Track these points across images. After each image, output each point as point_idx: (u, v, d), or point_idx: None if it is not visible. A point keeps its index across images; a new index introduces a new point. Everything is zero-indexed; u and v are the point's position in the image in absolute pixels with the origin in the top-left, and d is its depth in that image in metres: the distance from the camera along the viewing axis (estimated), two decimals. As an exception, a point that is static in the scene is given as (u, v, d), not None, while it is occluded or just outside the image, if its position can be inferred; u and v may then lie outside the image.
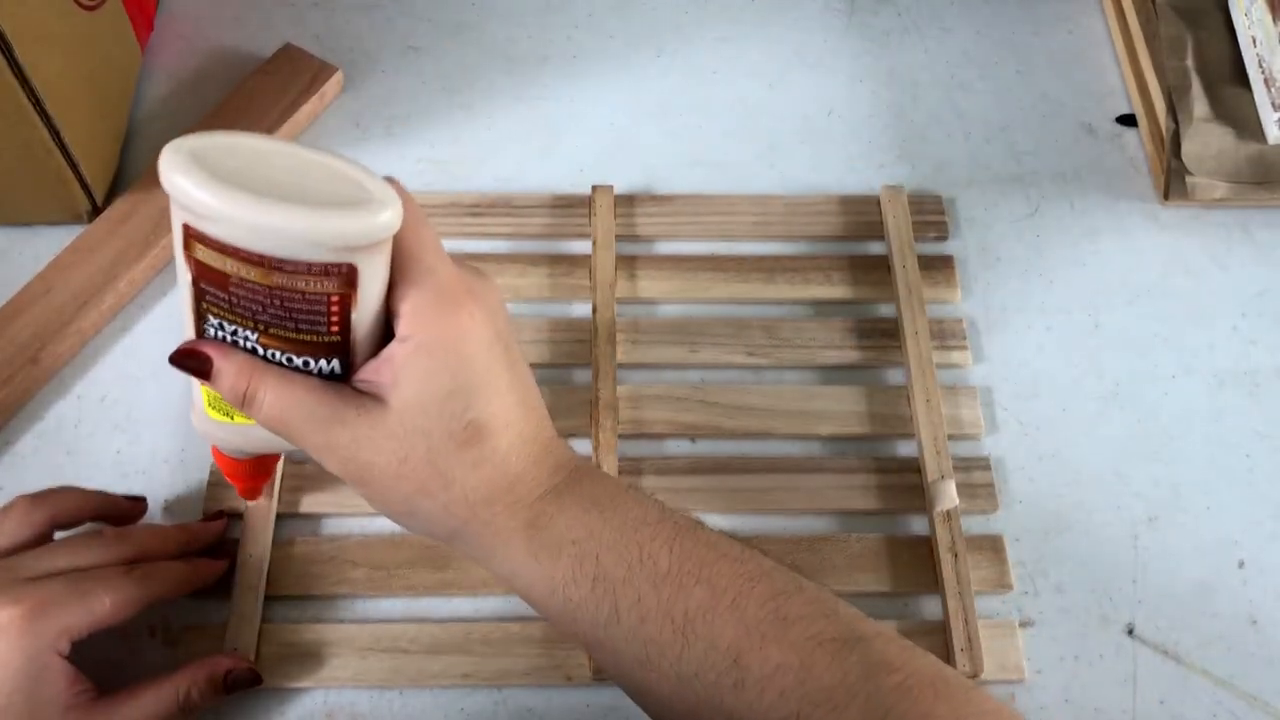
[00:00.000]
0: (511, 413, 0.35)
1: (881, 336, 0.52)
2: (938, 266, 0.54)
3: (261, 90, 0.57)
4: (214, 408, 0.37)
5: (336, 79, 0.58)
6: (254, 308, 0.33)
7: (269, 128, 0.55)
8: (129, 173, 0.56)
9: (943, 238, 0.55)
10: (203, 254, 0.32)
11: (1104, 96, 0.61)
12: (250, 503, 0.45)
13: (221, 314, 0.33)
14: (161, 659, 0.43)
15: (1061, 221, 0.57)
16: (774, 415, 0.49)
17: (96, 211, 0.53)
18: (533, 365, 0.50)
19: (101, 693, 0.38)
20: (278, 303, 0.32)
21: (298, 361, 0.34)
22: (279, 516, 0.46)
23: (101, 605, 0.38)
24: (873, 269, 0.54)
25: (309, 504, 0.47)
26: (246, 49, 0.60)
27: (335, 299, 0.32)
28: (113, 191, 0.54)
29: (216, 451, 0.41)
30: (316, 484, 0.47)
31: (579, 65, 0.61)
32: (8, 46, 0.44)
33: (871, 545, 0.47)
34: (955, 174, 0.58)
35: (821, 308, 0.53)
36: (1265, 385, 0.52)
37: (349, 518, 0.47)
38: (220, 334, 0.34)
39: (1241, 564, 0.48)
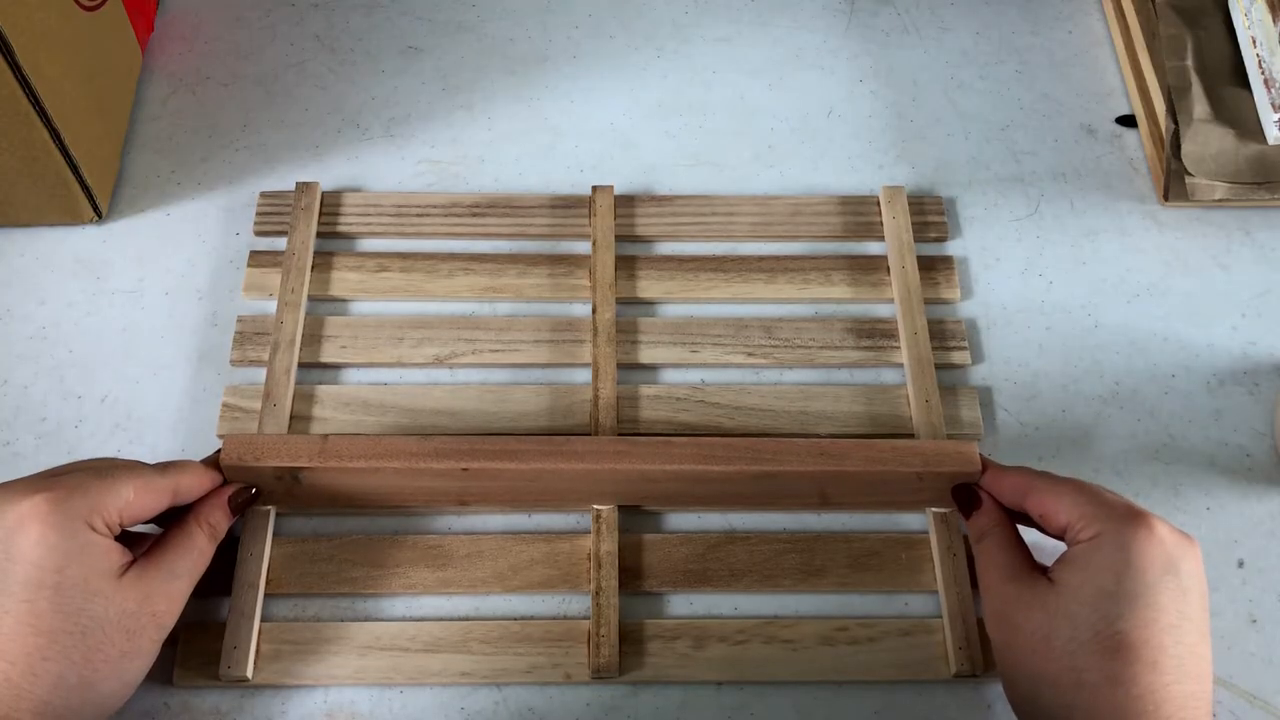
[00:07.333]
0: (1169, 659, 0.36)
1: (881, 337, 0.52)
2: (938, 266, 0.54)
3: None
4: None
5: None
6: None
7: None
8: (129, 173, 0.56)
9: (943, 238, 0.55)
10: None
11: (1104, 96, 0.61)
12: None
13: None
14: (161, 657, 0.43)
15: (1061, 221, 0.57)
16: (774, 415, 0.50)
17: (97, 213, 0.53)
18: (533, 366, 0.51)
19: (139, 558, 0.39)
20: None
21: None
22: (279, 515, 0.46)
23: (125, 487, 0.38)
24: (872, 269, 0.54)
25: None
26: (247, 49, 0.60)
27: None
28: (113, 192, 0.54)
29: None
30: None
31: (579, 65, 0.61)
32: (8, 47, 0.44)
33: (871, 545, 0.47)
34: (955, 174, 0.58)
35: (821, 308, 0.53)
36: (1265, 385, 0.52)
37: (349, 517, 0.47)
38: None
39: (1241, 564, 0.48)
